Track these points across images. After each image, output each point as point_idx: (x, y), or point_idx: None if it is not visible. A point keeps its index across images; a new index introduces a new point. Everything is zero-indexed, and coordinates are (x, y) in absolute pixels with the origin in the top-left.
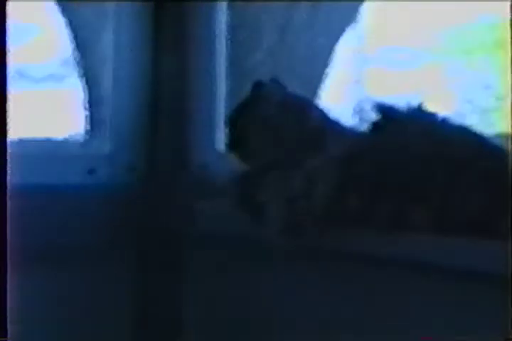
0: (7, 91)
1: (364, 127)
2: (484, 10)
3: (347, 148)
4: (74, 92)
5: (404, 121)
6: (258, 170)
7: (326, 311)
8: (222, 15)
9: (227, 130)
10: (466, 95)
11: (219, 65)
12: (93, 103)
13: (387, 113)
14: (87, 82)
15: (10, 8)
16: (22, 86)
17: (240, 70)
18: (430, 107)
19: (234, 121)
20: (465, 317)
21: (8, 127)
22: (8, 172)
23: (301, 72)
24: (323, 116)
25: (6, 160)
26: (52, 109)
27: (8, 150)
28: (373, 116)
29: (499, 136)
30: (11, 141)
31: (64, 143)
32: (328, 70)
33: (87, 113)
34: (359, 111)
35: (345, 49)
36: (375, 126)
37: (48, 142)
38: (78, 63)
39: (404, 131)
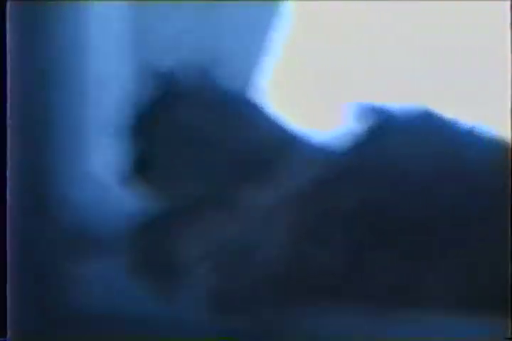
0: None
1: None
2: (484, 10)
3: (315, 174)
4: None
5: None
6: (172, 211)
7: None
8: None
9: (123, 147)
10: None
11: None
12: None
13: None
14: None
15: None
16: None
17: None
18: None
19: (135, 133)
20: None
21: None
22: None
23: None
24: (275, 124)
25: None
26: None
27: None
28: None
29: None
30: None
31: None
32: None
33: None
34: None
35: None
36: (357, 138)
37: None
38: None
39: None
